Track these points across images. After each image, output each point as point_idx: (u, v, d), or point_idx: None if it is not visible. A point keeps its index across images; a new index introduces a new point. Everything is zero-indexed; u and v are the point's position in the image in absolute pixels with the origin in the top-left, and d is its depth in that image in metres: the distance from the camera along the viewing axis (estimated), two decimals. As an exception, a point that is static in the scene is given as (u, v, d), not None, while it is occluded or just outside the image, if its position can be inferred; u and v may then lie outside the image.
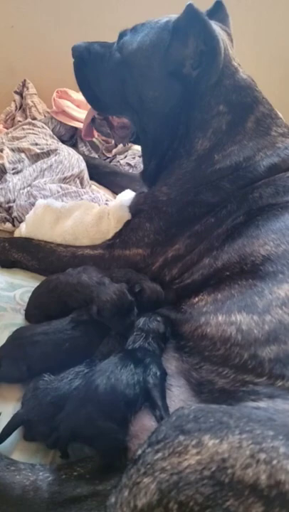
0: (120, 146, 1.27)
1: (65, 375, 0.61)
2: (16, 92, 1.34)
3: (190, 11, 0.67)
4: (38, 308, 0.74)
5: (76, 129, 1.30)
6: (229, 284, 0.61)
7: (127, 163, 1.29)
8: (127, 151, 1.32)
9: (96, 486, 0.53)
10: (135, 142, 0.91)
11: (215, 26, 0.72)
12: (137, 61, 0.75)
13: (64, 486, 0.52)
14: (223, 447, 0.40)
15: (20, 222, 0.96)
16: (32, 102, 1.32)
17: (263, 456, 0.39)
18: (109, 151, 1.33)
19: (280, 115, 0.81)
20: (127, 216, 0.89)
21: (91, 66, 0.81)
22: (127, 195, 0.96)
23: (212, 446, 0.40)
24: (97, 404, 0.54)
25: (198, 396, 0.54)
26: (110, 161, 1.32)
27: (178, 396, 0.56)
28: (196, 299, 0.65)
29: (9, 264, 0.90)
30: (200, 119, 0.75)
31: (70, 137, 1.32)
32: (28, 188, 1.02)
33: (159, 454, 0.42)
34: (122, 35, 0.79)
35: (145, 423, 0.53)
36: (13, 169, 1.07)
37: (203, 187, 0.76)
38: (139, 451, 0.45)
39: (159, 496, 0.39)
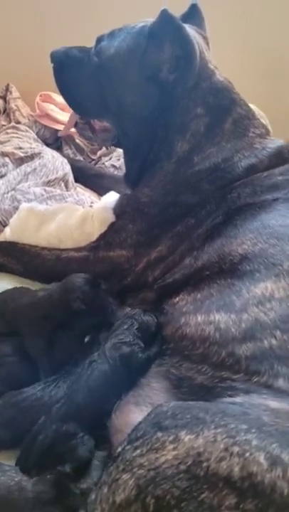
0: (104, 148, 1.28)
1: (34, 385, 0.63)
2: (-1, 96, 1.34)
3: (164, 16, 0.69)
4: None
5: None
6: (208, 284, 0.63)
7: (112, 164, 1.30)
8: (111, 153, 1.33)
9: (81, 485, 0.54)
10: (117, 145, 0.92)
11: (190, 30, 0.74)
12: (115, 66, 0.76)
13: (49, 485, 0.53)
14: (199, 442, 0.41)
15: (4, 227, 0.97)
16: (16, 105, 1.33)
17: (236, 449, 0.40)
18: (94, 153, 1.34)
19: (258, 116, 0.83)
20: (111, 218, 0.90)
21: (70, 71, 0.82)
22: (111, 197, 0.97)
23: (188, 441, 0.42)
24: (80, 420, 0.56)
25: (178, 389, 0.56)
26: (95, 163, 1.32)
27: (158, 389, 0.57)
28: (177, 299, 0.66)
29: (-6, 269, 0.90)
30: (178, 122, 0.77)
31: (55, 140, 1.33)
32: (12, 192, 1.02)
33: (138, 451, 0.43)
34: (99, 40, 0.80)
35: (128, 418, 0.54)
36: (-3, 173, 1.08)
37: (183, 188, 0.77)
38: (119, 449, 0.46)
39: (136, 491, 0.40)
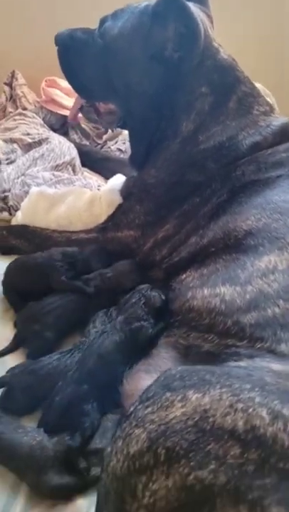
0: (110, 132, 1.29)
1: (51, 354, 0.67)
2: (5, 84, 1.35)
3: (168, -6, 0.69)
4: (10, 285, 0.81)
5: (66, 117, 1.31)
6: (214, 259, 0.65)
7: (117, 148, 1.32)
8: (117, 136, 1.34)
9: (96, 445, 0.58)
10: (122, 127, 0.94)
11: (194, 8, 0.74)
12: (119, 46, 0.76)
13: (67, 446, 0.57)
14: (205, 400, 0.44)
15: (16, 211, 1.00)
16: (22, 92, 1.34)
17: (240, 405, 0.43)
18: (100, 138, 1.35)
19: (262, 93, 0.83)
20: (118, 200, 0.92)
21: (75, 53, 0.83)
22: (118, 180, 0.99)
23: (195, 399, 0.45)
24: (91, 384, 0.61)
25: (186, 358, 0.59)
26: (101, 147, 1.34)
27: (166, 358, 0.60)
28: (184, 276, 0.69)
29: (8, 251, 0.93)
30: (184, 101, 0.78)
31: (61, 125, 1.34)
32: (22, 177, 1.05)
33: (149, 409, 0.47)
34: (102, 21, 0.80)
35: (139, 384, 0.58)
36: (6, 159, 1.10)
37: (188, 167, 0.79)
38: (132, 408, 0.49)
39: (148, 443, 0.44)
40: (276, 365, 0.48)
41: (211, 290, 0.61)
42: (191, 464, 0.41)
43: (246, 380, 0.46)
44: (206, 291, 0.61)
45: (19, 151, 1.14)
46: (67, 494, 0.57)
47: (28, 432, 0.59)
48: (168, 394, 0.47)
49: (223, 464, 0.40)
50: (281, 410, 0.42)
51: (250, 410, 0.42)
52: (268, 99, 1.43)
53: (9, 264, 0.83)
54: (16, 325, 0.76)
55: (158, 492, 0.41)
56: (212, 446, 0.42)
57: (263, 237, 0.62)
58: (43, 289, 0.78)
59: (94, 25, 0.85)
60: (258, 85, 1.44)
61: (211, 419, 0.43)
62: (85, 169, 1.21)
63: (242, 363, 0.51)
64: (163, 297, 0.72)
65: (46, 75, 1.31)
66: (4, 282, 0.81)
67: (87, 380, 0.61)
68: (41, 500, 0.57)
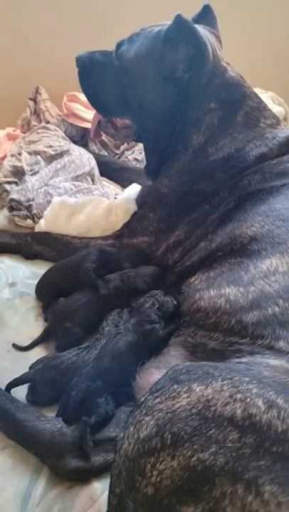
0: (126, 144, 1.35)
1: (70, 350, 0.73)
2: (30, 99, 1.44)
3: (178, 20, 0.75)
4: (51, 285, 0.87)
5: (86, 129, 1.39)
6: (220, 263, 0.70)
7: (134, 158, 1.38)
8: (134, 147, 1.41)
9: (110, 434, 0.64)
10: (138, 140, 1.00)
11: (203, 31, 0.80)
12: (134, 68, 0.83)
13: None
14: (208, 391, 0.49)
15: (39, 219, 1.07)
16: (45, 106, 1.43)
17: (239, 396, 0.47)
18: (118, 148, 1.42)
19: (272, 103, 0.87)
20: (134, 208, 0.98)
21: (94, 74, 0.90)
22: (134, 189, 1.05)
23: (199, 391, 0.50)
24: (105, 380, 0.67)
25: (194, 355, 0.63)
26: (119, 157, 1.41)
27: (176, 356, 0.65)
28: (193, 279, 0.74)
29: (32, 256, 1.01)
30: (194, 117, 0.83)
31: (81, 137, 1.42)
32: (45, 187, 1.12)
33: (158, 399, 0.52)
34: (119, 45, 0.87)
35: (150, 379, 0.63)
36: (30, 171, 1.18)
37: (199, 178, 0.84)
38: (142, 399, 0.54)
39: (156, 429, 0.49)
40: (274, 361, 0.53)
41: (216, 291, 0.65)
42: (194, 447, 0.46)
43: (245, 374, 0.50)
44: (212, 292, 0.66)
45: (42, 163, 1.22)
46: (84, 477, 0.63)
47: (50, 421, 0.66)
48: (175, 386, 0.52)
49: (222, 448, 0.45)
50: (276, 400, 0.46)
51: (248, 400, 0.47)
52: (280, 108, 1.46)
53: (52, 266, 0.91)
54: (46, 320, 0.83)
55: (164, 471, 0.46)
56: (213, 431, 0.46)
57: (266, 242, 0.66)
58: (79, 287, 0.84)
59: (112, 45, 0.92)
60: (270, 94, 1.49)
61: (212, 408, 0.48)
62: (104, 178, 1.28)
63: (244, 359, 0.55)
64: (175, 302, 0.77)
65: (68, 90, 1.39)
66: (43, 282, 0.88)
67: (101, 376, 0.67)
68: (60, 482, 0.63)
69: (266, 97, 1.45)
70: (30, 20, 1.44)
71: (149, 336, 0.73)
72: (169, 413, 0.49)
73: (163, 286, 0.83)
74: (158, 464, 0.47)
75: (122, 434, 0.52)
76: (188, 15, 0.82)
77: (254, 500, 0.42)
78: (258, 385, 0.48)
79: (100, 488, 0.61)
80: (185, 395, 0.50)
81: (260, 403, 0.46)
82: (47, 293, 0.87)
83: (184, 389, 0.51)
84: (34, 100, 1.45)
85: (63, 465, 0.62)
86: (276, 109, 1.40)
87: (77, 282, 0.84)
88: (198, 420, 0.48)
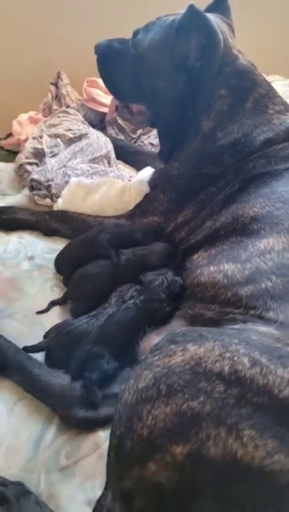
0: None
1: (80, 318, 0.80)
2: (51, 84, 1.50)
3: (191, 10, 0.79)
4: (69, 258, 0.94)
5: (105, 114, 1.43)
6: (222, 241, 0.75)
7: (150, 142, 1.43)
8: (150, 131, 1.45)
9: (115, 390, 0.71)
10: (152, 126, 1.05)
11: (215, 20, 0.83)
12: (149, 56, 0.87)
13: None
14: (200, 350, 0.55)
15: (57, 198, 1.14)
16: (66, 91, 1.48)
17: (228, 354, 0.53)
18: (135, 133, 1.46)
19: (278, 94, 0.90)
20: (146, 190, 1.03)
21: (111, 61, 0.95)
22: (147, 172, 1.10)
23: (193, 350, 0.55)
24: (108, 345, 0.74)
25: (192, 325, 0.69)
26: (135, 142, 1.45)
27: (175, 326, 0.72)
28: (196, 256, 0.79)
29: (50, 233, 1.08)
30: (204, 104, 0.87)
31: (100, 121, 1.46)
32: (64, 169, 1.19)
33: (156, 357, 0.58)
34: (135, 33, 0.91)
35: (151, 343, 0.69)
36: (50, 153, 1.25)
37: (207, 161, 0.88)
38: (143, 357, 0.61)
39: (153, 381, 0.55)
40: (263, 328, 0.58)
41: (216, 267, 0.71)
42: (185, 396, 0.52)
43: (235, 337, 0.56)
44: (212, 268, 0.72)
45: (62, 145, 1.27)
46: (90, 426, 0.70)
47: (61, 376, 0.74)
48: (172, 346, 0.58)
49: (210, 397, 0.51)
50: (259, 359, 0.52)
51: (235, 358, 0.52)
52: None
53: (70, 242, 0.98)
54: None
55: (158, 416, 0.52)
56: (202, 384, 0.52)
57: (265, 223, 0.70)
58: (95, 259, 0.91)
59: (130, 32, 0.96)
60: (288, 81, 1.49)
61: (203, 365, 0.53)
62: (120, 162, 1.33)
63: (236, 326, 0.61)
64: (181, 282, 0.82)
65: (88, 75, 1.44)
66: (62, 255, 0.96)
67: (104, 341, 0.74)
68: (69, 430, 0.71)
69: (285, 84, 1.46)
70: (53, 10, 1.48)
71: (156, 312, 0.79)
72: (165, 368, 0.56)
73: (174, 263, 0.88)
74: (153, 410, 0.53)
75: (122, 387, 0.59)
76: (204, 4, 0.85)
77: (234, 442, 0.48)
78: (245, 346, 0.54)
79: (104, 436, 0.69)
80: (180, 354, 0.56)
81: (245, 361, 0.52)
82: (66, 266, 0.94)
83: (180, 348, 0.57)
84: (56, 85, 1.50)
85: (72, 415, 0.70)
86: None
87: (94, 255, 0.90)
88: (190, 375, 0.53)
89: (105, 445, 0.67)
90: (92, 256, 0.91)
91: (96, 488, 0.63)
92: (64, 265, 0.95)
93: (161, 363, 0.57)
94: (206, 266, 0.73)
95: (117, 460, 0.55)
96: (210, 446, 0.49)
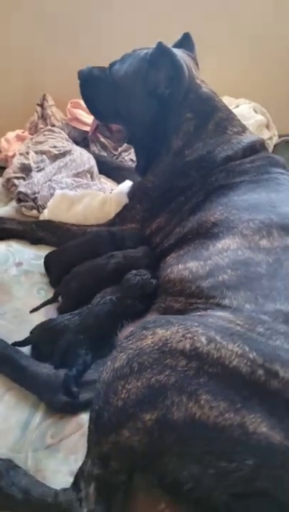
0: (125, 144, 1.52)
1: (63, 315, 0.89)
2: (38, 104, 1.60)
3: (160, 47, 0.92)
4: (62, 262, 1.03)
5: (87, 132, 1.54)
6: (189, 244, 0.86)
7: (130, 159, 1.54)
8: (130, 149, 1.57)
9: (94, 377, 0.79)
10: (129, 143, 1.16)
11: (182, 54, 0.96)
12: (124, 84, 1.00)
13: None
14: (167, 333, 0.64)
15: (43, 209, 1.22)
16: (51, 111, 1.58)
17: (189, 335, 0.62)
18: (116, 150, 1.58)
19: (237, 118, 1.04)
20: (125, 201, 1.14)
21: (92, 86, 1.07)
22: (126, 185, 1.21)
23: (161, 333, 0.64)
24: (87, 335, 0.83)
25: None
26: (117, 158, 1.57)
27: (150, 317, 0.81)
28: (168, 258, 0.90)
29: (36, 241, 1.16)
30: (173, 125, 0.99)
31: (83, 139, 1.57)
32: (49, 182, 1.28)
33: (130, 341, 0.67)
34: (112, 64, 1.04)
35: (127, 333, 0.79)
36: (37, 167, 1.34)
37: (177, 175, 1.00)
38: (119, 343, 0.70)
39: (127, 360, 0.64)
40: (219, 313, 0.68)
41: (183, 265, 0.82)
42: (154, 372, 0.61)
43: (196, 321, 0.65)
44: (180, 266, 0.82)
45: (47, 161, 1.37)
46: (73, 410, 0.79)
47: (46, 366, 0.82)
48: (144, 331, 0.67)
49: (174, 371, 0.60)
50: (215, 337, 0.61)
51: (195, 337, 0.62)
52: (262, 117, 1.63)
53: (63, 246, 1.06)
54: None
55: (131, 390, 0.61)
56: (168, 361, 0.61)
57: (224, 227, 0.82)
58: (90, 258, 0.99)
59: (112, 58, 1.07)
60: (253, 104, 1.65)
61: (169, 345, 0.63)
62: (102, 176, 1.43)
63: (198, 313, 0.71)
64: (155, 283, 0.92)
65: (71, 97, 1.55)
66: (55, 259, 1.04)
67: (84, 332, 0.83)
68: (54, 414, 0.79)
69: (249, 106, 1.62)
70: (40, 37, 1.60)
71: (129, 308, 0.89)
72: (138, 350, 0.65)
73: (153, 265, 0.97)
74: (127, 385, 0.62)
75: (101, 368, 0.68)
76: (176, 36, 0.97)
77: (194, 405, 0.57)
78: (203, 327, 0.63)
79: (85, 418, 0.76)
80: (150, 337, 0.65)
81: (203, 339, 0.61)
82: (59, 269, 1.02)
83: (150, 332, 0.66)
84: (41, 106, 1.60)
85: (57, 400, 0.78)
86: (258, 117, 1.57)
87: (87, 258, 0.99)
88: (158, 354, 0.63)
89: (87, 425, 0.75)
90: (84, 258, 1.00)
91: (78, 460, 0.71)
92: (57, 267, 1.03)
93: (134, 345, 0.66)
94: (175, 265, 0.84)
95: (96, 430, 0.64)
96: (174, 411, 0.58)
